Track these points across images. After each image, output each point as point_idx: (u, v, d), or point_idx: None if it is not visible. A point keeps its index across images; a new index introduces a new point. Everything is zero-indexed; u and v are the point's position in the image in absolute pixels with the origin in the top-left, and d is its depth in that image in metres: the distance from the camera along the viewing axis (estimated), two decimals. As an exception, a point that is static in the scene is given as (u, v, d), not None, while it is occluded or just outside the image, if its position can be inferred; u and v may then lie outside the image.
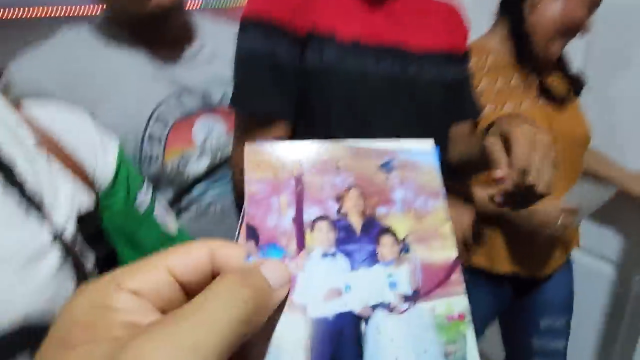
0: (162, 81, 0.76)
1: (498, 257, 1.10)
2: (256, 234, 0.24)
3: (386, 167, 0.28)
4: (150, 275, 0.20)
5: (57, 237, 0.40)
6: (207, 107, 0.79)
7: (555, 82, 1.14)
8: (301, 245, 0.25)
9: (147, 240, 0.66)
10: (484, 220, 1.03)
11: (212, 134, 0.78)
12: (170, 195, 0.80)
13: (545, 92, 1.05)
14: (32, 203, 0.38)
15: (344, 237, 0.25)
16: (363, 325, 0.23)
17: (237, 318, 0.16)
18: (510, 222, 1.02)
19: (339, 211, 0.26)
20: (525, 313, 1.23)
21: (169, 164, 0.73)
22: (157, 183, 0.75)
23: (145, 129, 0.72)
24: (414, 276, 0.25)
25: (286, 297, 0.22)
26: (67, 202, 0.48)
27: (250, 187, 0.25)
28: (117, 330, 0.17)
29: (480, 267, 1.11)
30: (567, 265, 1.24)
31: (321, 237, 0.25)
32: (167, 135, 0.75)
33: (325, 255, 0.25)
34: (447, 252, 0.26)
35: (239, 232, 0.26)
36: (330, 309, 0.23)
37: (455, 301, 0.26)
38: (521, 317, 1.24)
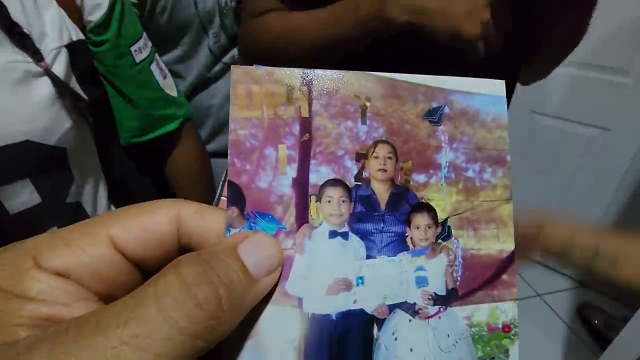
0: None
1: None
2: (242, 197, 0.23)
3: (433, 115, 0.25)
4: (84, 249, 0.18)
5: (47, 69, 0.52)
6: None
7: None
8: (303, 217, 0.23)
9: (141, 92, 0.71)
10: None
11: None
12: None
13: None
14: (17, 31, 0.46)
15: (363, 211, 0.24)
16: (375, 328, 0.22)
17: (185, 332, 0.15)
18: None
19: (359, 175, 0.24)
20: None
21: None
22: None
23: None
24: (452, 271, 0.24)
25: (276, 284, 0.21)
26: (55, 31, 0.53)
27: (236, 130, 0.23)
28: (22, 329, 0.15)
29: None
30: None
31: (331, 208, 0.23)
32: None
33: (334, 234, 0.23)
34: (501, 242, 0.24)
35: (219, 193, 0.24)
36: (334, 305, 0.22)
37: (503, 308, 0.24)
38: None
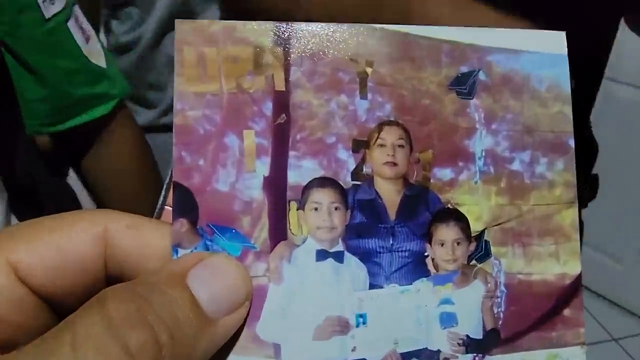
0: None
1: None
2: (193, 205, 0.20)
3: (462, 84, 0.22)
4: None
5: None
6: None
7: None
8: (279, 232, 0.21)
9: (53, 61, 0.58)
10: None
11: None
12: None
13: None
14: None
15: (364, 222, 0.21)
16: (384, 388, 0.20)
17: None
18: None
19: (357, 171, 0.21)
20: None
21: None
22: None
23: None
24: (492, 305, 0.21)
25: (242, 327, 0.19)
26: None
27: (184, 111, 0.20)
28: None
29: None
30: None
31: (319, 219, 0.21)
32: None
33: (323, 255, 0.21)
34: (562, 264, 0.21)
35: (162, 200, 0.22)
36: (325, 355, 0.20)
37: (565, 356, 0.21)
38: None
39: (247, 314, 0.19)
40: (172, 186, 0.20)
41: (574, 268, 0.21)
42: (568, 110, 0.21)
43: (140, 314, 0.15)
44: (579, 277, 0.21)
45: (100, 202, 0.66)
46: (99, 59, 0.61)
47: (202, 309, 0.17)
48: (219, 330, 0.17)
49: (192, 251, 0.20)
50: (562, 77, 0.21)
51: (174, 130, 0.20)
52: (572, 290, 0.21)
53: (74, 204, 0.70)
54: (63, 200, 0.68)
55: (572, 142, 0.21)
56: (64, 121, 0.59)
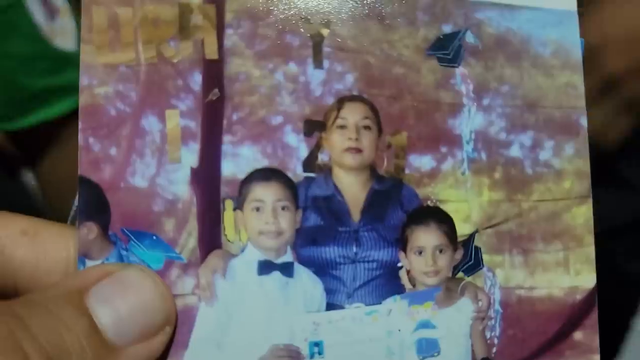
0: None
1: None
2: (103, 204, 0.18)
3: (445, 49, 0.19)
4: None
5: None
6: None
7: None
8: (212, 239, 0.18)
9: (5, 45, 0.52)
10: None
11: None
12: None
13: None
14: None
15: (320, 225, 0.19)
16: None
17: None
18: None
19: (311, 160, 0.19)
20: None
21: None
22: None
23: None
24: (483, 329, 0.19)
25: (164, 356, 0.17)
26: None
27: (92, 87, 0.18)
28: None
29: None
30: None
31: (261, 222, 0.19)
32: None
33: (267, 267, 0.18)
34: (573, 275, 0.19)
35: (78, 200, 0.19)
36: None
37: None
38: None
39: (170, 342, 0.17)
40: (78, 181, 0.18)
41: (587, 280, 0.19)
42: (579, 80, 0.20)
43: (12, 338, 0.14)
44: (593, 291, 0.19)
45: (56, 209, 0.62)
46: (66, 40, 0.56)
47: (103, 334, 0.15)
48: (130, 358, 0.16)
49: (102, 262, 0.18)
50: (570, 39, 0.20)
51: (79, 112, 0.19)
52: (585, 308, 0.19)
53: (27, 208, 0.66)
54: (15, 202, 0.65)
55: (584, 121, 0.20)
56: (17, 118, 0.55)
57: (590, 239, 0.19)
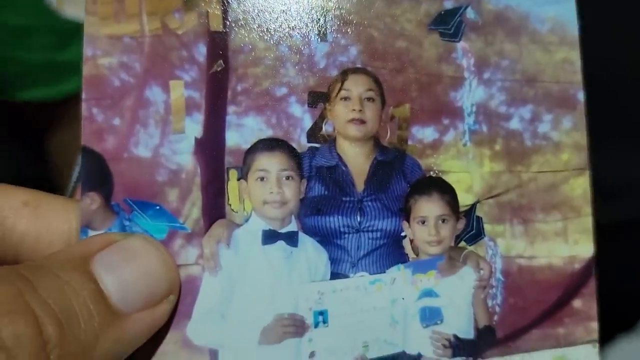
0: None
1: None
2: (106, 174, 0.18)
3: (446, 24, 0.19)
4: None
5: None
6: None
7: None
8: (215, 209, 0.18)
9: (5, 16, 0.49)
10: None
11: None
12: None
13: None
14: None
15: (324, 195, 0.19)
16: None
17: None
18: None
19: (315, 130, 0.19)
20: None
21: None
22: None
23: None
24: (485, 297, 0.19)
25: (167, 327, 0.17)
26: None
27: (96, 57, 0.18)
28: None
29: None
30: None
31: (266, 191, 0.19)
32: None
33: (272, 236, 0.19)
34: (572, 244, 0.19)
35: (77, 173, 0.20)
36: None
37: (575, 357, 0.19)
38: None
39: (174, 312, 0.17)
40: (81, 151, 0.18)
41: (585, 249, 0.19)
42: (576, 56, 0.20)
43: (21, 299, 0.14)
44: (591, 260, 0.19)
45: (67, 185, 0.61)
46: (79, 10, 0.54)
47: (109, 300, 0.15)
48: (130, 327, 0.16)
49: (104, 233, 0.18)
50: (567, 16, 0.20)
51: (83, 83, 0.19)
52: (584, 277, 0.19)
53: (41, 181, 0.64)
54: (29, 175, 0.62)
55: (581, 95, 0.20)
56: (15, 92, 0.51)
57: (588, 210, 0.20)
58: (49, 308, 0.14)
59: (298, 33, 0.19)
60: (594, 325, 0.19)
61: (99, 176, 0.18)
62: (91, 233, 0.18)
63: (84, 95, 0.18)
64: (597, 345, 0.19)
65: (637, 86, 0.55)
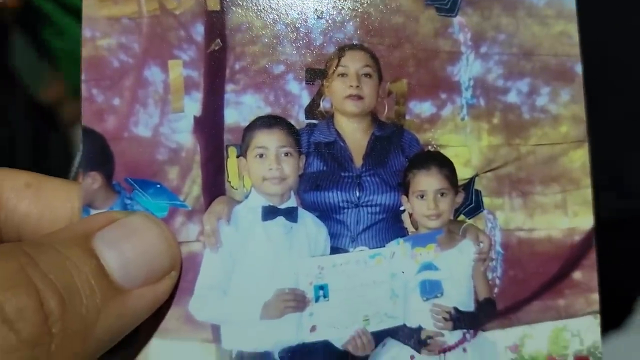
0: None
1: None
2: (107, 154, 0.18)
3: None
4: None
5: None
6: None
7: None
8: (215, 186, 0.18)
9: None
10: None
11: None
12: None
13: None
14: None
15: (323, 170, 0.19)
16: (351, 373, 0.20)
17: None
18: None
19: (313, 107, 0.19)
20: None
21: None
22: None
23: None
24: (485, 270, 0.19)
25: (169, 304, 0.17)
26: None
27: (95, 39, 0.18)
28: None
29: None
30: None
31: (265, 168, 0.19)
32: None
33: (271, 212, 0.19)
34: (571, 216, 0.19)
35: (80, 156, 0.19)
36: (277, 337, 0.18)
37: (575, 329, 0.19)
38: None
39: (176, 288, 0.18)
40: (81, 132, 0.18)
41: (585, 221, 0.19)
42: (573, 29, 0.20)
43: (23, 273, 0.14)
44: (591, 232, 0.19)
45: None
46: None
47: (110, 276, 0.16)
48: (132, 302, 0.16)
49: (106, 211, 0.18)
50: None
51: (82, 64, 0.19)
52: (584, 248, 0.19)
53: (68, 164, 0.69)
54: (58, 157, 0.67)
55: (579, 68, 0.20)
56: None
57: (587, 182, 0.19)
58: (51, 283, 0.14)
59: (294, 10, 0.19)
60: (595, 296, 0.19)
61: (100, 156, 0.18)
62: (93, 212, 0.18)
63: (83, 77, 0.18)
64: (599, 316, 0.19)
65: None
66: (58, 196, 0.18)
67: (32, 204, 0.18)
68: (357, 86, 0.19)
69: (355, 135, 0.19)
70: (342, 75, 0.19)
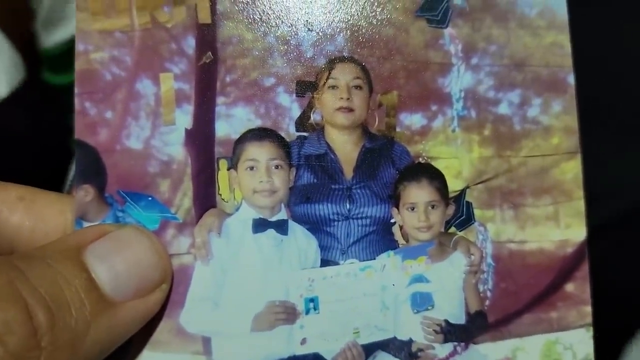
0: None
1: None
2: (99, 167, 0.19)
3: (434, 10, 0.20)
4: None
5: None
6: None
7: None
8: (206, 199, 0.19)
9: None
10: None
11: None
12: None
13: None
14: None
15: (313, 183, 0.19)
16: (342, 387, 0.20)
17: None
18: None
19: (304, 119, 0.19)
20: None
21: None
22: None
23: None
24: (476, 282, 0.19)
25: (160, 316, 0.17)
26: None
27: (88, 52, 0.18)
28: None
29: None
30: None
31: (255, 180, 0.19)
32: None
33: (262, 225, 0.19)
34: (564, 228, 0.19)
35: (75, 170, 0.19)
36: (267, 349, 0.18)
37: (568, 341, 0.19)
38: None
39: (167, 300, 0.18)
40: (75, 145, 0.19)
41: (577, 233, 0.19)
42: (565, 40, 0.20)
43: (12, 287, 0.14)
44: (583, 244, 0.19)
45: None
46: None
47: (101, 289, 0.16)
48: (123, 315, 0.16)
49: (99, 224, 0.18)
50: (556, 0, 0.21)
51: (75, 77, 0.19)
52: (576, 261, 0.19)
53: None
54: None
55: (571, 79, 0.20)
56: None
57: (579, 194, 0.19)
58: (40, 296, 0.14)
59: (285, 23, 0.19)
60: (587, 309, 0.19)
61: (92, 168, 0.18)
62: (85, 224, 0.18)
63: (76, 90, 0.19)
64: (591, 329, 0.19)
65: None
66: (51, 209, 0.18)
67: (25, 217, 0.18)
68: (348, 98, 0.19)
69: (345, 148, 0.19)
70: (333, 87, 0.19)
